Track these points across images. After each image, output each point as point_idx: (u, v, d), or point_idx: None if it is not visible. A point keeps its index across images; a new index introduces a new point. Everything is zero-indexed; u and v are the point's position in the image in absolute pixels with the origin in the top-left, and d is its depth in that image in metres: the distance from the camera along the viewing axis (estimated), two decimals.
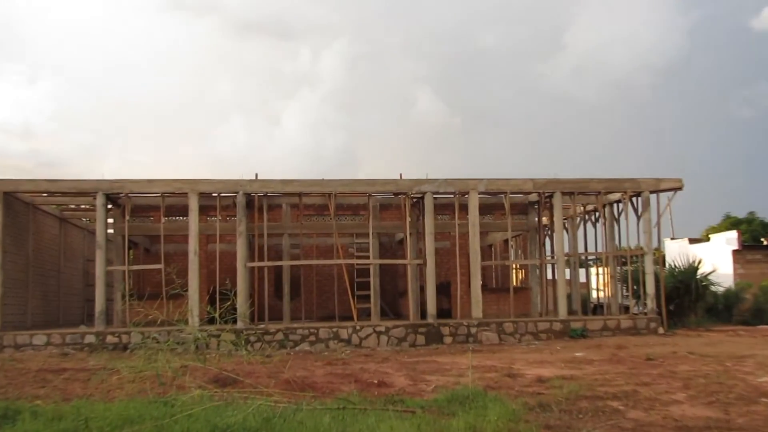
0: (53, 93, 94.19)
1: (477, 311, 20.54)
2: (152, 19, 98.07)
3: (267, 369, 11.89)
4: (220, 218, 21.21)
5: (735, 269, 28.87)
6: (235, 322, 18.82)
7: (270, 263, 21.75)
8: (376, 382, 11.25)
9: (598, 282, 26.89)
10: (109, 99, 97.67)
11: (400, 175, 21.24)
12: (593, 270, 29.60)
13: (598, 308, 26.90)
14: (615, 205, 23.13)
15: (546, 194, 21.72)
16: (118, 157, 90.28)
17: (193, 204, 20.04)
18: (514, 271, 28.17)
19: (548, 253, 24.23)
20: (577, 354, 15.74)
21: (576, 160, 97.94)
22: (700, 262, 25.22)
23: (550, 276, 23.94)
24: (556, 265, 22.23)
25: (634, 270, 23.33)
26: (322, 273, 27.69)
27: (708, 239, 32.57)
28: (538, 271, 23.66)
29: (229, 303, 10.67)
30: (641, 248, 21.79)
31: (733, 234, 30.57)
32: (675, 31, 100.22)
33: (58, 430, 7.49)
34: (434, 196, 20.94)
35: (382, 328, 19.90)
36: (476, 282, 20.85)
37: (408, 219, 21.44)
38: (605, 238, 22.95)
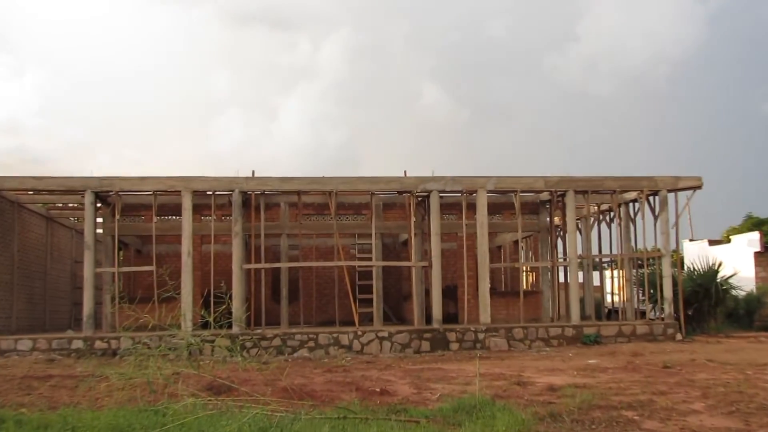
0: (41, 86, 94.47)
1: (485, 316, 20.54)
2: (144, 9, 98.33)
3: (263, 376, 11.91)
4: (215, 218, 21.24)
5: (757, 272, 28.79)
6: (230, 326, 18.98)
7: (267, 265, 21.76)
8: (378, 390, 11.26)
9: (613, 286, 26.85)
10: (99, 93, 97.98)
11: (405, 172, 21.27)
12: (607, 273, 29.55)
13: (612, 313, 26.86)
14: (631, 204, 23.12)
15: (558, 193, 21.71)
16: (108, 153, 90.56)
17: (187, 203, 20.07)
18: (524, 273, 28.17)
19: (560, 255, 24.21)
20: (590, 361, 15.72)
21: (589, 156, 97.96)
22: (720, 265, 25.16)
23: (562, 279, 23.94)
24: (568, 268, 22.22)
25: (651, 273, 23.30)
26: (322, 275, 27.72)
27: (729, 241, 32.50)
28: (549, 273, 23.64)
29: (224, 307, 10.67)
30: (658, 250, 21.76)
31: (755, 235, 30.47)
32: (693, 20, 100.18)
33: None
34: (440, 194, 20.94)
35: (385, 334, 19.91)
36: (484, 285, 20.84)
37: (412, 219, 21.44)
38: (620, 240, 22.93)
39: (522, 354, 18.52)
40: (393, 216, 25.46)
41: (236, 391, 9.74)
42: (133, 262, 26.45)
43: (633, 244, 23.23)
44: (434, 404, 9.85)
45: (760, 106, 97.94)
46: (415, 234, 21.63)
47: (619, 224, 22.96)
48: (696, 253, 28.71)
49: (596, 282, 29.13)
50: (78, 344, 19.15)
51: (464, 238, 21.47)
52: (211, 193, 20.59)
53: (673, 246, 21.95)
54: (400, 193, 21.51)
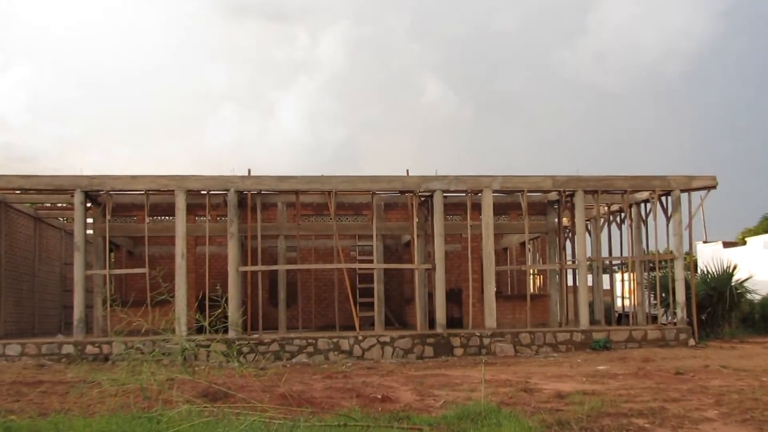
0: (28, 81, 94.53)
1: (490, 320, 20.58)
2: (136, 1, 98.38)
3: (261, 382, 11.95)
4: (209, 218, 21.29)
5: None
6: (226, 331, 19.02)
7: (264, 267, 21.82)
8: (379, 397, 11.30)
9: (623, 289, 26.88)
10: (89, 88, 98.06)
11: (407, 171, 21.32)
12: (618, 276, 29.59)
13: (622, 318, 26.90)
14: (642, 205, 23.15)
15: (567, 193, 21.74)
16: (98, 151, 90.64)
17: (180, 202, 20.12)
18: (531, 276, 28.20)
19: (569, 257, 24.26)
20: (599, 367, 15.76)
21: (599, 154, 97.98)
22: (735, 268, 25.21)
23: (570, 282, 23.98)
24: (577, 271, 22.27)
25: (663, 276, 23.36)
26: (321, 278, 27.76)
27: (744, 242, 32.60)
28: (557, 276, 23.68)
29: (219, 311, 10.72)
30: (671, 252, 21.80)
31: None
32: (708, 12, 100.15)
33: None
34: (444, 194, 20.98)
35: (387, 339, 19.96)
36: (490, 289, 20.88)
37: (415, 219, 21.49)
38: (631, 241, 22.97)
39: (529, 360, 18.56)
40: (395, 216, 25.50)
41: (233, 398, 9.78)
42: (124, 264, 26.51)
43: (644, 246, 23.26)
44: (438, 411, 9.89)
45: None
46: (417, 235, 21.67)
47: (630, 225, 23.00)
48: (710, 256, 28.76)
49: (606, 285, 29.14)
50: (68, 349, 19.21)
51: (469, 239, 21.52)
52: (205, 192, 20.64)
53: (686, 248, 22.00)
54: (402, 192, 21.55)
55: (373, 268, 21.81)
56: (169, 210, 21.91)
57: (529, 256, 28.27)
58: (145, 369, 9.25)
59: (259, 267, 21.36)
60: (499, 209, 23.30)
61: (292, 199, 21.95)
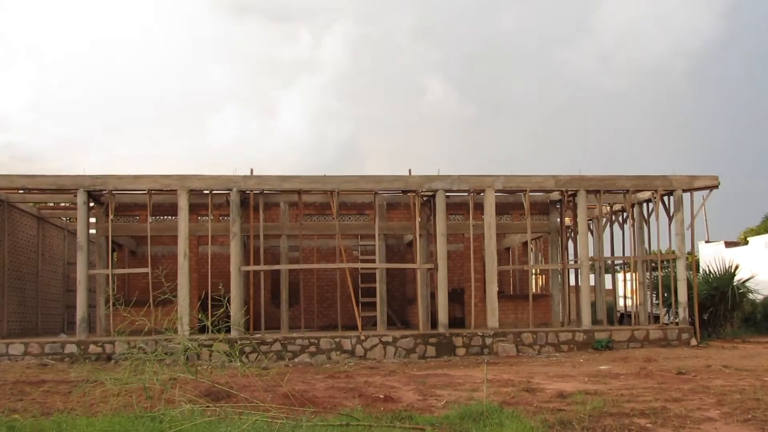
0: (31, 80, 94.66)
1: (493, 320, 20.59)
2: (139, 1, 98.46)
3: (263, 382, 11.96)
4: (212, 218, 21.31)
5: None
6: (228, 331, 19.05)
7: (267, 267, 21.84)
8: (382, 396, 11.31)
9: (626, 289, 26.89)
10: (92, 87, 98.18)
11: (409, 171, 21.30)
12: (620, 276, 29.59)
13: (625, 317, 26.91)
14: (645, 204, 23.15)
15: (569, 193, 21.75)
16: (101, 151, 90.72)
17: (183, 202, 20.15)
18: (533, 276, 28.20)
19: (571, 257, 24.25)
20: (601, 367, 15.77)
21: (602, 154, 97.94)
22: (737, 268, 25.21)
23: (573, 282, 23.97)
24: (579, 271, 22.25)
25: (665, 276, 23.35)
26: (323, 278, 27.78)
27: (746, 242, 32.56)
28: (559, 276, 23.68)
29: (222, 310, 10.73)
30: (673, 252, 21.79)
31: None
32: (711, 12, 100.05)
33: None
34: (446, 194, 20.99)
35: (389, 339, 19.97)
36: (492, 288, 20.89)
37: (418, 219, 21.49)
38: (633, 241, 22.96)
39: (531, 359, 18.56)
40: (397, 216, 25.51)
41: (235, 398, 9.80)
42: (127, 263, 26.54)
43: (646, 245, 23.27)
44: (440, 411, 9.90)
45: None
46: (420, 235, 21.68)
47: (632, 225, 22.99)
48: (712, 255, 28.76)
49: (608, 285, 29.15)
50: (71, 349, 19.25)
51: (471, 239, 21.52)
52: (208, 192, 20.66)
53: (688, 248, 21.97)
54: (404, 192, 21.56)
55: (375, 268, 21.82)
56: (172, 210, 21.96)
57: (532, 255, 28.25)
58: (148, 368, 9.27)
59: (262, 267, 21.37)
60: (501, 209, 23.32)
61: (294, 199, 21.97)
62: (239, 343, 18.60)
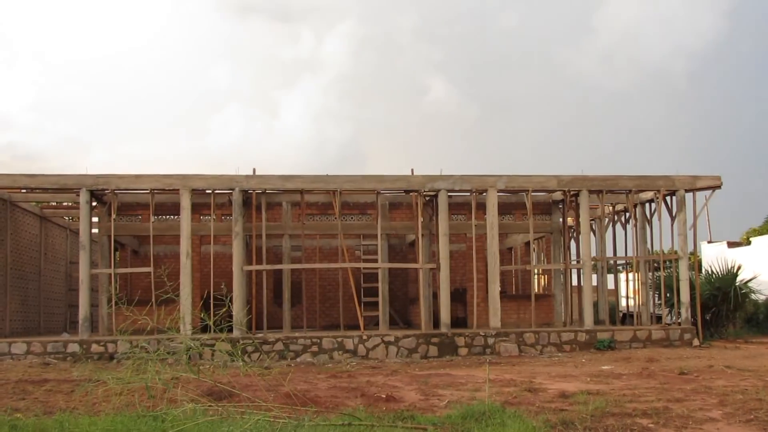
0: (33, 79, 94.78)
1: (495, 320, 20.59)
2: (141, 0, 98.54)
3: (265, 381, 11.96)
4: (214, 217, 21.32)
5: None
6: (230, 330, 19.07)
7: (269, 267, 21.85)
8: (384, 396, 11.32)
9: (628, 289, 26.87)
10: (94, 86, 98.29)
11: (412, 170, 21.29)
12: (622, 276, 29.57)
13: (627, 318, 26.89)
14: (647, 204, 23.14)
15: (571, 193, 21.74)
16: (103, 150, 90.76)
17: (185, 201, 20.16)
18: (535, 276, 28.19)
19: (573, 257, 24.23)
20: (603, 367, 15.76)
21: (604, 154, 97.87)
22: (739, 268, 25.18)
23: (575, 282, 23.95)
24: (581, 271, 22.24)
25: (667, 276, 23.31)
26: (325, 278, 27.78)
27: (748, 243, 32.50)
28: (562, 276, 23.66)
29: (224, 310, 10.74)
30: (675, 252, 21.77)
31: None
32: (713, 12, 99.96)
33: None
34: (449, 194, 20.99)
35: (391, 338, 19.97)
36: (494, 288, 20.89)
37: (420, 219, 21.50)
38: (636, 241, 22.94)
39: (533, 359, 18.56)
40: (399, 216, 25.50)
41: (237, 397, 9.81)
42: (129, 263, 26.57)
43: (649, 245, 23.25)
44: (442, 411, 9.91)
45: None
46: (422, 235, 21.69)
47: (635, 225, 22.97)
48: (714, 256, 28.74)
49: (610, 285, 29.11)
50: (74, 348, 19.27)
51: (474, 239, 21.51)
52: (210, 191, 20.67)
53: (690, 248, 21.98)
54: (407, 192, 21.56)
55: (377, 268, 21.82)
56: (174, 209, 21.98)
57: (534, 255, 28.24)
58: (150, 368, 9.28)
59: (264, 266, 21.39)
60: (503, 209, 23.30)
61: (296, 199, 21.98)
62: (241, 342, 18.61)
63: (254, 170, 20.83)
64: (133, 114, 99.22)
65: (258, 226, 21.21)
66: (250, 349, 19.13)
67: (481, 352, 19.98)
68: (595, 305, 23.02)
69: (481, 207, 21.53)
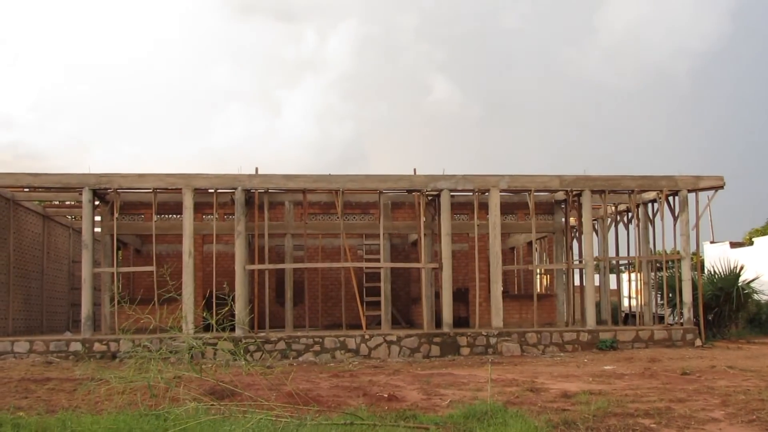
0: (35, 79, 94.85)
1: (497, 320, 20.58)
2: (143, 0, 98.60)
3: (268, 381, 11.98)
4: (217, 217, 21.33)
5: None
6: (233, 329, 19.11)
7: (271, 266, 21.85)
8: (386, 395, 11.32)
9: (630, 289, 26.85)
10: (96, 86, 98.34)
11: (414, 170, 21.31)
12: (625, 276, 29.56)
13: (629, 318, 26.87)
14: (650, 204, 23.11)
15: (574, 192, 21.73)
16: (106, 149, 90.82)
17: (188, 201, 20.18)
18: (538, 276, 28.19)
19: (576, 257, 24.23)
20: (606, 367, 15.75)
21: (607, 154, 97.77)
22: (742, 269, 25.15)
23: (577, 282, 23.94)
24: (584, 271, 22.24)
25: (670, 276, 23.30)
26: (328, 277, 27.77)
27: (751, 243, 32.45)
28: (564, 276, 23.66)
29: (226, 309, 10.76)
30: (678, 252, 21.75)
31: None
32: (717, 11, 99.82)
33: None
34: (451, 193, 20.99)
35: (394, 338, 19.98)
36: (497, 288, 20.88)
37: (422, 219, 21.50)
38: (638, 241, 22.93)
39: (535, 359, 18.55)
40: (402, 216, 25.50)
41: (240, 396, 9.82)
42: (132, 262, 26.59)
43: (651, 246, 23.22)
44: (444, 410, 9.91)
45: None
46: (425, 234, 21.69)
47: (637, 225, 22.95)
48: (717, 256, 28.68)
49: (613, 285, 29.11)
50: (76, 346, 19.29)
51: (476, 239, 21.50)
52: (213, 190, 20.68)
53: (693, 248, 21.96)
54: (409, 191, 21.56)
55: (380, 267, 21.83)
56: (177, 208, 21.99)
57: (536, 255, 28.24)
58: (153, 367, 9.30)
59: (266, 265, 21.39)
60: (506, 209, 23.30)
61: (299, 198, 21.99)
62: (244, 341, 18.62)
63: (257, 169, 20.85)
64: (135, 113, 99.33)
65: (260, 225, 21.22)
66: (252, 348, 19.14)
67: (483, 352, 19.97)
68: (598, 305, 23.00)
69: (484, 207, 21.52)
